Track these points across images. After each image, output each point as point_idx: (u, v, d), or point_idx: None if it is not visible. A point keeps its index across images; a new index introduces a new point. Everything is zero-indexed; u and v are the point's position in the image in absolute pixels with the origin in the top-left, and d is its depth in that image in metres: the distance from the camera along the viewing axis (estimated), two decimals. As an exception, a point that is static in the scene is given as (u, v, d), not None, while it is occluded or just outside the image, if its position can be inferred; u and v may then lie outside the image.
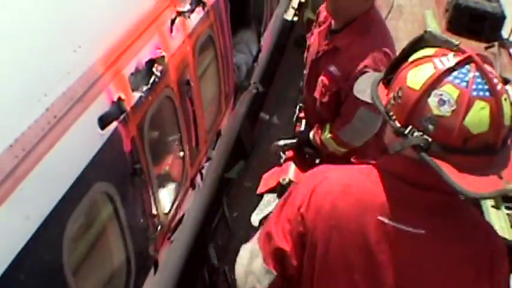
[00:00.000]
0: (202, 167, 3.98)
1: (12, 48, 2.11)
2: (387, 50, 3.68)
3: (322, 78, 3.83)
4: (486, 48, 9.55)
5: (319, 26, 4.06)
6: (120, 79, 2.64)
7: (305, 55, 4.23)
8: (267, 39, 6.44)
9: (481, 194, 1.92)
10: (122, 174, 2.68)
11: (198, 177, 3.88)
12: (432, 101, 1.89)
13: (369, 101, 2.17)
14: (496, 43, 9.45)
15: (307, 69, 4.09)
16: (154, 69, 2.95)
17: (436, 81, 1.90)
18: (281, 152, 4.37)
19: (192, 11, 3.57)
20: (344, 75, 3.68)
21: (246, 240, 5.33)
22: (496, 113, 1.87)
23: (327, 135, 3.88)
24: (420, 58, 1.99)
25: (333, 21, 3.89)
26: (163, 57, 3.01)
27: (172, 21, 3.26)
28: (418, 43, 2.05)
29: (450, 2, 10.18)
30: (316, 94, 3.90)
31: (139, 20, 2.89)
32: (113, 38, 2.64)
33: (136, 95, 2.78)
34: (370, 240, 2.04)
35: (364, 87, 2.24)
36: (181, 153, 3.49)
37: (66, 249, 2.16)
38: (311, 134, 4.06)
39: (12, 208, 1.91)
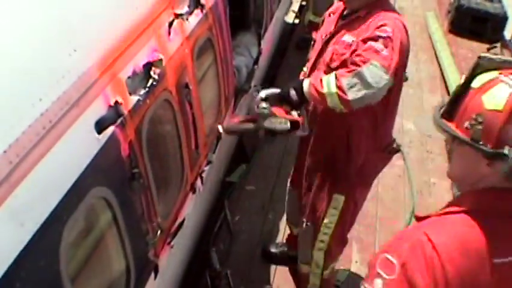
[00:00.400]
0: (203, 171, 3.95)
1: (6, 52, 2.08)
2: (406, 25, 3.72)
3: (334, 47, 3.84)
4: (488, 49, 9.55)
5: (329, 15, 4.13)
6: (117, 83, 2.61)
7: (310, 49, 4.28)
8: (268, 42, 6.42)
9: None
10: (120, 179, 2.64)
11: (198, 181, 3.85)
12: None
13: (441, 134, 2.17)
14: (498, 44, 9.44)
15: (314, 56, 4.09)
16: (152, 73, 2.92)
17: None
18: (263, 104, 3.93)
19: (190, 13, 3.54)
20: (357, 39, 3.69)
21: (249, 244, 5.34)
22: None
23: (331, 79, 3.62)
24: (487, 82, 2.02)
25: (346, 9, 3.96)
26: (161, 60, 2.98)
27: (170, 24, 3.23)
28: (474, 70, 2.07)
29: (452, 3, 10.19)
30: (327, 58, 3.88)
31: (136, 23, 2.86)
32: (109, 41, 2.61)
33: (134, 98, 2.75)
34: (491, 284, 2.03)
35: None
36: (181, 157, 3.46)
37: (64, 256, 2.12)
38: (305, 85, 3.80)
39: (6, 215, 1.87)
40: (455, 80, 8.57)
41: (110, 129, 2.51)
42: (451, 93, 2.15)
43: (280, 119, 3.88)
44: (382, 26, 3.60)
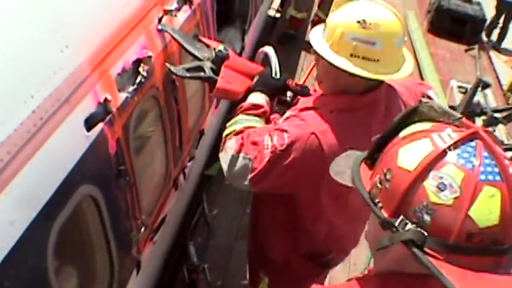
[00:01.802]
0: (185, 167, 3.95)
1: (-1, 48, 2.06)
2: (330, 143, 2.78)
3: None
4: (466, 50, 9.67)
5: None
6: (107, 79, 2.59)
7: None
8: (251, 37, 6.41)
9: None
10: (107, 176, 2.63)
11: (181, 177, 3.85)
12: (430, 185, 1.57)
13: (349, 184, 1.84)
14: (476, 46, 9.54)
15: None
16: (140, 69, 2.91)
17: (434, 161, 1.58)
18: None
19: (178, 9, 3.53)
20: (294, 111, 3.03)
21: (227, 238, 5.29)
22: (508, 202, 1.54)
23: (232, 125, 3.05)
24: (414, 133, 1.69)
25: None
26: (150, 57, 2.97)
27: (159, 20, 3.22)
28: (410, 116, 1.75)
29: (432, 3, 10.28)
30: None
31: (127, 19, 2.84)
32: (101, 37, 2.59)
33: (123, 95, 2.73)
34: None
35: (344, 169, 1.92)
36: (165, 154, 3.46)
37: (51, 254, 2.11)
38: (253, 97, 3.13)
39: (-3, 214, 1.87)
40: (433, 79, 8.66)
41: (99, 127, 2.50)
42: (378, 137, 1.81)
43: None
44: (288, 124, 2.86)
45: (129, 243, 2.92)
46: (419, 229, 1.57)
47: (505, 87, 9.19)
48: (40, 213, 2.05)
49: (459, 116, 1.68)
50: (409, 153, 1.63)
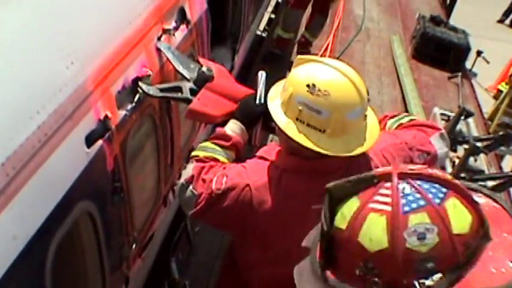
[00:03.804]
0: (175, 184, 3.97)
1: (7, 64, 2.08)
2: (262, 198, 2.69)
3: None
4: (449, 78, 9.78)
5: None
6: (108, 97, 2.63)
7: None
8: (240, 56, 6.46)
9: None
10: (103, 193, 2.66)
11: (170, 194, 3.88)
12: (413, 242, 1.53)
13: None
14: (459, 74, 9.67)
15: None
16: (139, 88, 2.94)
17: (397, 224, 1.55)
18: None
19: (176, 28, 3.57)
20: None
21: (208, 255, 5.28)
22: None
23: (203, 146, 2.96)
24: (352, 220, 1.59)
25: None
26: (149, 75, 3.00)
27: (159, 39, 3.26)
28: (330, 205, 1.65)
29: (418, 29, 10.39)
30: None
31: (129, 37, 2.88)
32: (104, 54, 2.63)
33: (122, 113, 2.77)
34: None
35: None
36: (158, 171, 3.48)
37: (49, 269, 2.13)
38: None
39: (1, 228, 1.88)
40: (416, 105, 8.77)
41: (98, 143, 2.53)
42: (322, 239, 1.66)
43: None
44: (232, 169, 2.77)
45: (120, 259, 2.94)
46: (436, 278, 1.53)
47: (487, 116, 9.34)
48: (40, 228, 2.08)
49: (371, 175, 1.62)
50: (371, 235, 1.56)
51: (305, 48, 8.77)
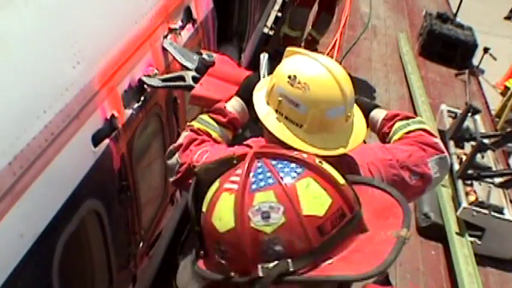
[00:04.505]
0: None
1: (14, 64, 2.10)
2: None
3: None
4: (456, 75, 9.76)
5: None
6: (115, 96, 2.64)
7: None
8: (247, 56, 6.46)
9: None
10: (110, 192, 2.67)
11: (178, 193, 3.88)
12: (257, 222, 1.53)
13: None
14: (466, 71, 9.64)
15: None
16: (145, 87, 2.96)
17: (243, 203, 1.55)
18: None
19: (183, 27, 3.58)
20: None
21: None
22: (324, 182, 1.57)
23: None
24: (211, 200, 1.61)
25: None
26: (155, 74, 3.01)
27: (165, 38, 3.27)
28: (195, 190, 1.69)
29: (424, 27, 10.35)
30: None
31: (136, 36, 2.89)
32: (110, 54, 2.64)
33: (128, 112, 2.79)
34: None
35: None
36: (165, 169, 3.49)
37: (56, 268, 2.15)
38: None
39: (9, 226, 1.90)
40: (423, 102, 8.75)
41: (105, 143, 2.54)
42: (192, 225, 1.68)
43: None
44: (218, 147, 2.75)
45: (127, 257, 2.95)
46: (280, 261, 1.50)
47: (494, 113, 9.30)
48: (48, 226, 2.09)
49: (230, 156, 1.65)
50: (220, 214, 1.56)
51: (312, 46, 8.75)
